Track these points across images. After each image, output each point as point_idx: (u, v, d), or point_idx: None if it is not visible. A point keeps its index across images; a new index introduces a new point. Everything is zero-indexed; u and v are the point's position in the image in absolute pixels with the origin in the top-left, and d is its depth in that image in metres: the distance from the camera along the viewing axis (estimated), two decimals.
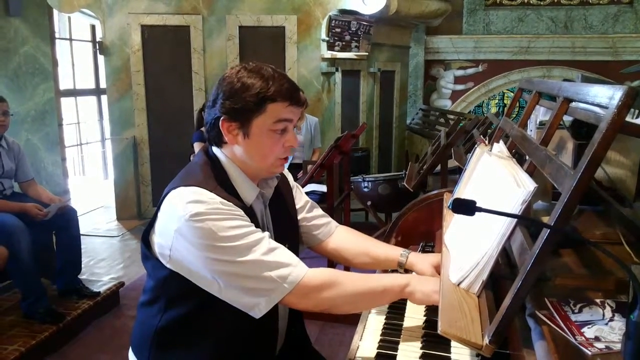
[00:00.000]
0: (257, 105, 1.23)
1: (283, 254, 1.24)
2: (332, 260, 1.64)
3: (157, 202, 1.29)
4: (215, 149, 1.33)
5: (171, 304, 1.30)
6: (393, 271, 1.55)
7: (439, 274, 1.37)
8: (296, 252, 1.47)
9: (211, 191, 1.22)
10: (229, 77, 1.27)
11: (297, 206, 1.54)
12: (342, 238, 1.58)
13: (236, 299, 1.22)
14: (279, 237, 1.37)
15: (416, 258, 1.48)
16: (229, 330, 1.30)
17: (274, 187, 1.41)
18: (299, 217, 1.54)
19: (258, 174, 1.34)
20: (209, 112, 1.31)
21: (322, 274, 1.25)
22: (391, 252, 1.52)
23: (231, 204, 1.23)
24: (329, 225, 1.58)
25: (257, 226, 1.27)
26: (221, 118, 1.26)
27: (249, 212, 1.29)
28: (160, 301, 1.32)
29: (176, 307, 1.30)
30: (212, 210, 1.19)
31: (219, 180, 1.27)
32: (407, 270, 1.49)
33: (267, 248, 1.21)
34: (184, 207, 1.19)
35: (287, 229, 1.46)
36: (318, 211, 1.59)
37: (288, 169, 5.47)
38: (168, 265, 1.26)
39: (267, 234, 1.26)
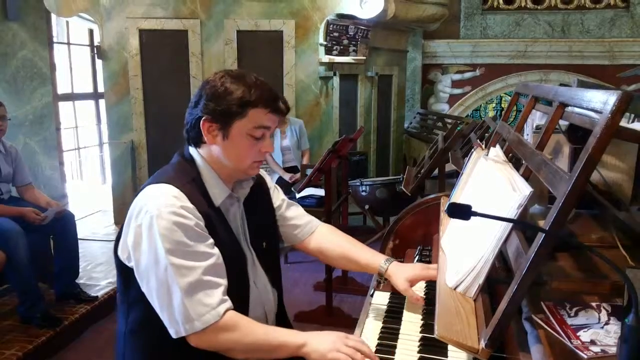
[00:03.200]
0: (239, 109, 1.28)
1: (206, 293, 1.23)
2: (318, 259, 1.65)
3: None
4: (192, 150, 1.38)
5: (132, 306, 1.33)
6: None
7: (412, 288, 1.40)
8: (276, 250, 1.54)
9: (179, 188, 1.26)
10: (212, 81, 1.32)
11: (275, 205, 1.57)
12: (324, 238, 1.60)
13: (156, 306, 1.24)
14: (255, 236, 1.43)
15: (395, 269, 1.47)
16: None
17: (249, 188, 1.45)
18: (276, 215, 1.57)
19: (233, 175, 1.38)
20: (190, 112, 1.35)
21: (227, 316, 1.24)
22: (373, 258, 1.52)
23: (192, 207, 1.25)
24: (309, 224, 1.61)
25: (224, 226, 1.33)
26: (202, 118, 1.30)
27: (216, 212, 1.33)
28: (123, 306, 1.36)
29: (136, 310, 1.33)
30: (170, 213, 1.21)
31: (189, 178, 1.32)
32: (386, 279, 1.49)
33: (196, 280, 1.21)
34: (147, 203, 1.24)
35: (263, 228, 1.50)
36: (297, 210, 1.62)
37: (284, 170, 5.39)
38: (126, 262, 1.29)
39: (211, 261, 1.25)
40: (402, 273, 1.44)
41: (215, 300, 1.23)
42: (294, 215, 1.60)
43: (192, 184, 1.30)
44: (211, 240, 1.27)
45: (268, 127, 1.33)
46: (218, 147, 1.32)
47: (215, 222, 1.31)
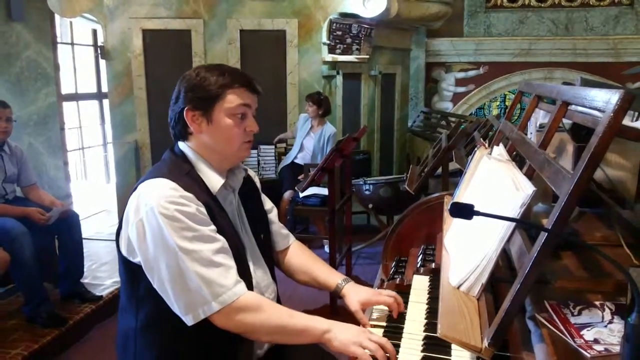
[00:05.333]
0: (217, 92, 1.33)
1: (221, 273, 1.25)
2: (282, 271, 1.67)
3: None
4: (181, 145, 1.40)
5: (142, 302, 1.34)
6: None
7: (364, 311, 1.42)
8: (270, 244, 1.56)
9: (175, 181, 1.27)
10: (188, 75, 1.38)
11: (265, 207, 1.61)
12: (295, 254, 1.64)
13: (170, 295, 1.25)
14: (254, 226, 1.47)
15: (350, 289, 1.49)
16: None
17: (242, 178, 1.48)
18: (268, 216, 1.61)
19: (224, 162, 1.40)
20: (172, 109, 1.39)
21: (249, 296, 1.28)
22: (331, 277, 1.55)
23: (192, 195, 1.26)
24: (289, 236, 1.66)
25: (223, 214, 1.35)
26: (185, 109, 1.34)
27: (214, 200, 1.34)
28: (132, 302, 1.36)
29: (147, 305, 1.33)
30: (170, 203, 1.23)
31: (184, 172, 1.33)
32: (341, 298, 1.50)
33: (208, 261, 1.24)
34: (145, 197, 1.25)
35: (259, 220, 1.54)
36: (279, 222, 1.66)
37: (289, 167, 5.37)
38: (130, 258, 1.30)
39: (219, 244, 1.27)
40: (355, 295, 1.45)
41: (230, 281, 1.25)
42: (278, 224, 1.64)
43: (187, 177, 1.33)
44: (214, 227, 1.29)
45: (248, 105, 1.37)
46: (205, 134, 1.36)
47: (214, 209, 1.33)
